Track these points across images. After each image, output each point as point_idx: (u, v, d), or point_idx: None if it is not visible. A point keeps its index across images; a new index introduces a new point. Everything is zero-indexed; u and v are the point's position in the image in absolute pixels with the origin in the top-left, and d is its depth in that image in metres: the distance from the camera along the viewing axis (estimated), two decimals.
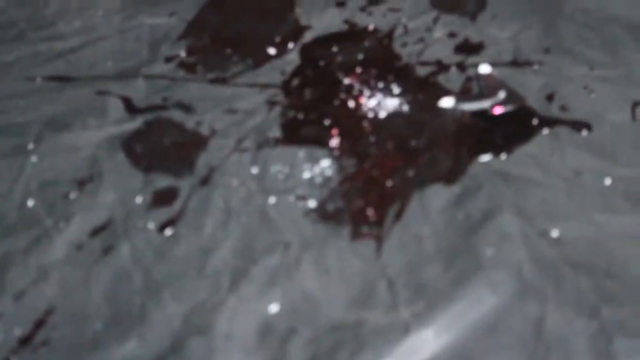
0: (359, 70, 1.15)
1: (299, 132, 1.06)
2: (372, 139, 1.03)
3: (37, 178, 1.02)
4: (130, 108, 1.11)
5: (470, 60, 1.15)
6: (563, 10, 1.23)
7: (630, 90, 1.07)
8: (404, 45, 1.20)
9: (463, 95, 1.08)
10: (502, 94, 1.06)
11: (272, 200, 0.96)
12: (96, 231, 0.95)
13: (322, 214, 0.94)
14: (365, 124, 1.06)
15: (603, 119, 1.03)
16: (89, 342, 0.84)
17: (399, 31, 1.22)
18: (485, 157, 0.99)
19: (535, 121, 1.03)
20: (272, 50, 1.21)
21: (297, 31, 1.25)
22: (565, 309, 0.82)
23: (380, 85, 1.12)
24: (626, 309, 0.82)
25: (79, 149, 1.05)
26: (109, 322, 0.86)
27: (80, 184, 1.01)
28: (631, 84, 1.08)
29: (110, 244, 0.93)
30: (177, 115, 1.10)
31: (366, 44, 1.21)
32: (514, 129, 1.03)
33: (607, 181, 0.94)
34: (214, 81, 1.16)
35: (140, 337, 0.84)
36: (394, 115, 1.07)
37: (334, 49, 1.20)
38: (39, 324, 0.86)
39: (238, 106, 1.11)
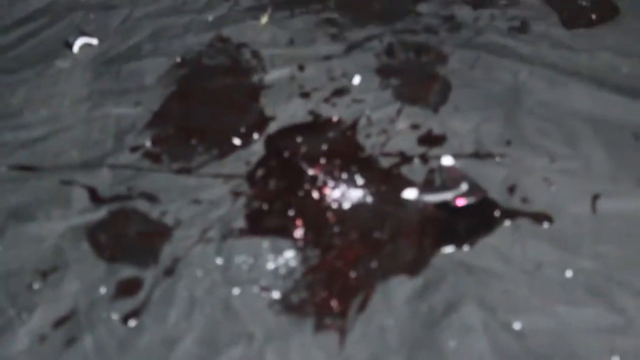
0: (323, 161, 1.16)
1: (264, 223, 1.07)
2: (336, 229, 1.04)
3: (1, 268, 1.02)
4: (95, 198, 1.12)
5: (433, 151, 1.16)
6: (523, 103, 1.25)
7: (591, 183, 1.09)
8: (368, 136, 1.21)
9: (426, 187, 1.09)
10: (464, 186, 1.08)
11: (236, 291, 0.96)
12: (59, 322, 0.94)
13: (286, 306, 0.94)
14: (329, 214, 1.07)
15: (564, 211, 1.05)
16: None
17: (362, 122, 1.24)
18: (448, 249, 1.00)
19: (497, 213, 1.04)
20: (237, 141, 1.22)
21: (262, 122, 1.26)
22: None
23: (344, 176, 1.13)
24: None
25: (43, 239, 1.05)
26: None
27: (44, 274, 1.00)
28: (591, 176, 1.10)
29: (73, 335, 0.92)
30: (141, 205, 1.10)
31: (330, 134, 1.22)
32: (476, 220, 1.04)
33: (569, 273, 0.95)
34: (179, 171, 1.16)
35: None
36: (357, 207, 1.08)
37: (299, 139, 1.21)
38: None
39: (203, 196, 1.11)
